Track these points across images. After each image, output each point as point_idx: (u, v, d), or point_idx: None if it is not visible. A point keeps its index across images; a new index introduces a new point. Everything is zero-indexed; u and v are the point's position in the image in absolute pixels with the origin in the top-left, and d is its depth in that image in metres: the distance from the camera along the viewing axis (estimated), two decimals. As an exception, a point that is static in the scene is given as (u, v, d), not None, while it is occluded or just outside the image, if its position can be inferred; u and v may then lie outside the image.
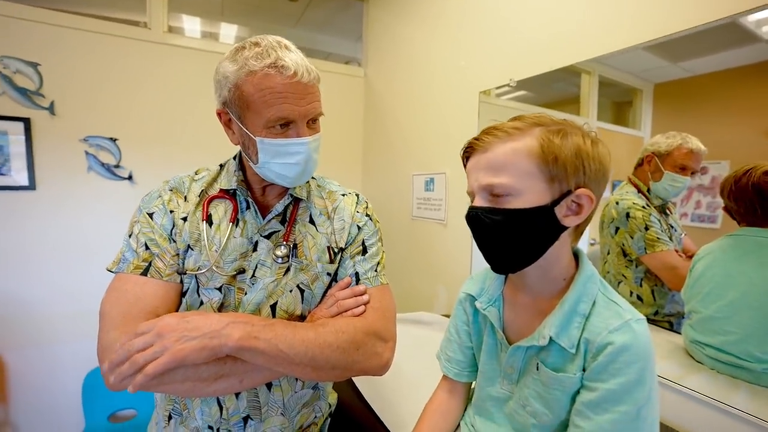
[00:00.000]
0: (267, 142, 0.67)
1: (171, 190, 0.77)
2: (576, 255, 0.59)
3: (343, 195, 0.83)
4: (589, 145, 0.52)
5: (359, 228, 0.79)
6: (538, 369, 0.56)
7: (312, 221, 0.78)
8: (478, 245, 0.59)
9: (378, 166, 2.40)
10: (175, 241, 0.73)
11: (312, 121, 0.70)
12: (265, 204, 0.78)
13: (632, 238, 1.25)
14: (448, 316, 1.70)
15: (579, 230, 0.57)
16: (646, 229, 1.23)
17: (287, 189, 0.78)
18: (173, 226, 0.73)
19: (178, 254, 0.73)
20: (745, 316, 0.97)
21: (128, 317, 0.65)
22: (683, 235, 1.25)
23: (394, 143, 2.24)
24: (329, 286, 0.77)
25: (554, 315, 0.54)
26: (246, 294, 0.73)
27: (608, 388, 0.49)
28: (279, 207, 0.76)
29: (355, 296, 0.73)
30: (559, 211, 0.53)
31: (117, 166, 1.91)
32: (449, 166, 1.80)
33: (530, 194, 0.52)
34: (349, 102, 2.50)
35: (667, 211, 1.28)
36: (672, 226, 1.27)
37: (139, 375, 0.56)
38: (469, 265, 1.70)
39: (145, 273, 0.69)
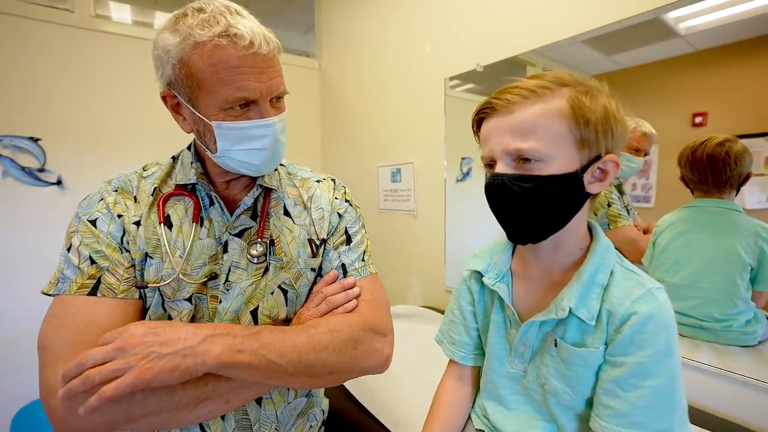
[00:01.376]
0: (225, 126, 0.59)
1: (116, 191, 0.65)
2: (589, 226, 0.57)
3: (318, 181, 0.77)
4: (614, 107, 0.50)
5: (340, 215, 0.73)
6: (556, 345, 0.53)
7: (287, 213, 0.71)
8: (498, 214, 0.55)
9: (339, 160, 2.33)
10: (128, 251, 0.62)
11: (275, 99, 0.62)
12: (231, 198, 0.69)
13: (596, 215, 1.29)
14: (427, 307, 1.69)
15: (594, 199, 0.55)
16: (609, 206, 1.28)
17: (255, 179, 0.70)
18: (124, 233, 0.62)
19: (133, 265, 0.62)
20: (707, 281, 1.03)
21: (78, 347, 0.53)
22: (636, 213, 1.32)
23: (356, 136, 2.17)
24: (314, 283, 0.70)
25: (572, 286, 0.51)
26: (221, 302, 0.64)
27: (636, 361, 0.46)
28: (248, 200, 0.68)
29: (345, 290, 0.67)
30: (585, 177, 0.50)
31: (41, 170, 1.66)
32: (417, 155, 1.78)
33: (561, 160, 0.48)
34: (304, 95, 2.39)
35: (623, 189, 1.34)
36: (627, 204, 1.34)
37: (94, 396, 0.46)
38: (443, 255, 1.69)
39: (93, 292, 0.58)
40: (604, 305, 0.50)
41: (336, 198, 0.75)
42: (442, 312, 1.59)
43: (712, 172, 1.03)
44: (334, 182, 0.78)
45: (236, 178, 0.68)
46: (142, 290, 0.61)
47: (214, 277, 0.64)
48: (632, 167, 1.25)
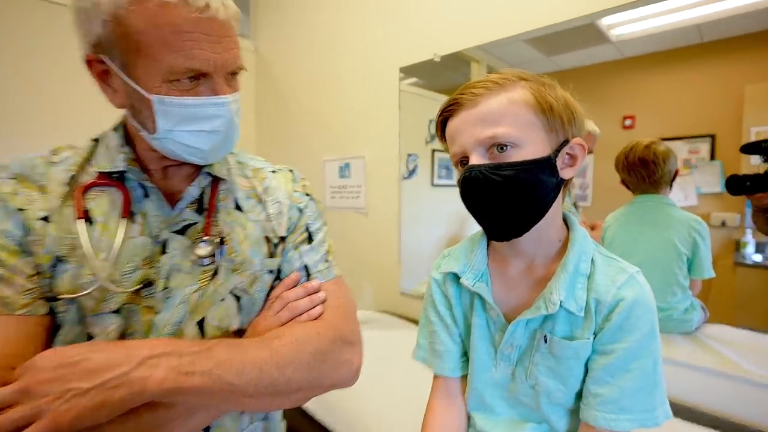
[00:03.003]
0: (169, 102, 0.53)
1: (14, 179, 0.55)
2: (563, 216, 0.60)
3: (273, 172, 0.72)
4: (571, 97, 0.55)
5: (300, 210, 0.70)
6: (546, 341, 0.55)
7: (238, 207, 0.66)
8: (477, 210, 0.55)
9: (278, 154, 2.25)
10: (32, 254, 0.53)
11: (232, 75, 0.57)
12: (169, 190, 0.62)
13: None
14: (382, 311, 1.69)
15: (566, 187, 0.58)
16: (559, 203, 1.37)
17: (199, 168, 0.63)
18: (26, 231, 0.53)
19: (40, 272, 0.53)
20: (649, 272, 1.12)
21: None
22: (581, 210, 1.44)
23: (299, 128, 2.12)
24: (272, 287, 0.66)
25: (558, 278, 0.53)
26: (159, 313, 0.57)
27: (625, 347, 0.50)
28: (194, 191, 0.62)
29: (309, 295, 0.63)
30: (557, 163, 0.53)
31: None
32: (369, 149, 1.77)
33: (532, 145, 0.51)
34: None
35: (570, 188, 1.46)
36: (574, 202, 1.46)
37: None
38: (397, 255, 1.70)
39: None
40: (590, 294, 0.52)
41: (295, 191, 0.71)
42: (399, 316, 1.62)
43: (646, 172, 1.17)
44: (293, 173, 0.74)
45: (176, 165, 0.61)
46: (52, 303, 0.52)
47: (149, 283, 0.57)
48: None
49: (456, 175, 0.57)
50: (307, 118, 2.07)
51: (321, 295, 0.64)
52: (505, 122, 0.51)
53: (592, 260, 0.54)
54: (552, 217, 0.56)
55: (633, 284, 0.51)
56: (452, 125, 0.55)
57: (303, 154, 2.09)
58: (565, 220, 0.60)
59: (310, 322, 0.61)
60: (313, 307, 0.62)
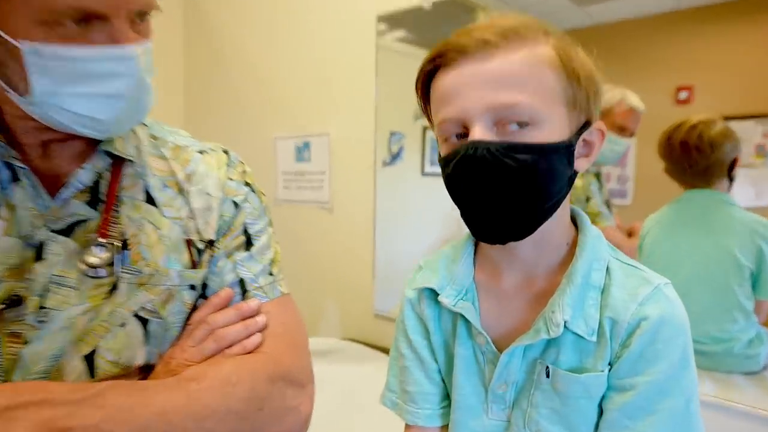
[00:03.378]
0: (48, 53, 0.52)
1: None
2: (572, 213, 0.62)
3: (201, 152, 0.73)
4: (593, 65, 0.55)
5: (237, 205, 0.71)
6: (548, 376, 0.56)
7: (150, 200, 0.67)
8: (471, 203, 0.55)
9: (214, 126, 2.27)
10: None
11: (139, 16, 0.58)
12: (52, 172, 0.63)
13: (572, 211, 1.41)
14: (350, 339, 1.71)
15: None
16: (587, 200, 1.40)
17: (96, 142, 0.63)
18: None
19: None
20: (701, 291, 1.19)
21: None
22: (614, 211, 1.47)
23: (244, 93, 2.14)
24: (194, 308, 0.67)
25: (563, 292, 0.54)
26: (29, 343, 0.57)
27: (649, 380, 0.50)
28: (84, 176, 0.62)
29: (244, 319, 0.65)
30: (575, 150, 0.54)
31: None
32: (335, 124, 1.79)
33: (552, 123, 0.51)
34: (157, 26, 2.25)
35: (603, 180, 1.49)
36: (607, 199, 1.48)
37: None
38: (371, 265, 1.72)
39: None
40: (605, 313, 0.53)
41: (230, 179, 0.72)
42: (372, 346, 1.64)
43: (688, 161, 1.20)
44: (228, 155, 0.75)
45: (62, 139, 0.61)
46: None
47: (16, 302, 0.57)
48: (617, 150, 1.37)
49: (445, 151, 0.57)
50: (254, 80, 2.08)
51: (260, 319, 0.65)
52: (529, 89, 0.50)
53: (607, 269, 0.56)
54: (560, 216, 0.57)
55: (659, 299, 0.52)
56: (448, 80, 0.53)
57: (248, 129, 2.10)
58: (574, 219, 0.62)
59: (244, 355, 0.62)
60: (249, 335, 0.63)
